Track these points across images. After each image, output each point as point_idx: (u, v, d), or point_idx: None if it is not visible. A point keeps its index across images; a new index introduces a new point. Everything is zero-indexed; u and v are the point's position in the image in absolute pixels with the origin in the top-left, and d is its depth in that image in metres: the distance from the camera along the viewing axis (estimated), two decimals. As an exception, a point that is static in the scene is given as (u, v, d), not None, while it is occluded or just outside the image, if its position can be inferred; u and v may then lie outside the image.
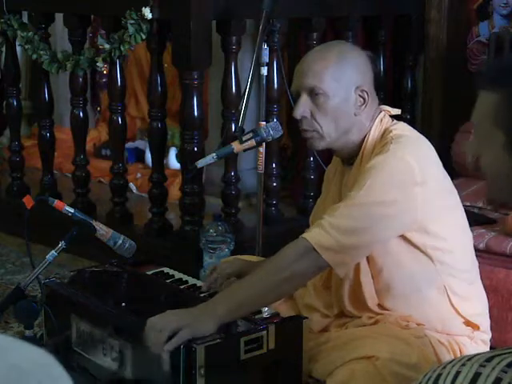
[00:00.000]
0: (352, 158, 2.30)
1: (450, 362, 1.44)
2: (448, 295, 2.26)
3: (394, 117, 2.35)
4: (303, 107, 2.24)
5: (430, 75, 4.85)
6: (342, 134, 2.26)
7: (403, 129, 2.27)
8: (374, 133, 2.27)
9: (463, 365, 1.40)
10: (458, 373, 1.38)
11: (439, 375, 1.40)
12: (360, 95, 2.25)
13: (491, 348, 2.35)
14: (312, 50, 2.33)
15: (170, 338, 2.00)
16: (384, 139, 2.23)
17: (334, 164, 2.47)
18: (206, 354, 1.99)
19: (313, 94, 2.23)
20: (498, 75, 1.61)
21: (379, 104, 2.35)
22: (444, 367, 1.42)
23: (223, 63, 4.09)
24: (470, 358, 1.43)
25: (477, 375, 1.36)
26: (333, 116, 2.23)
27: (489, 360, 1.39)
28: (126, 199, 4.46)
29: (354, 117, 2.25)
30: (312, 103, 2.24)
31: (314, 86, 2.22)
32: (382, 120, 2.29)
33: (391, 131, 2.24)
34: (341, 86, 2.23)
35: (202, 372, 1.99)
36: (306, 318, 2.22)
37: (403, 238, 2.18)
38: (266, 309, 2.23)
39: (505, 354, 1.41)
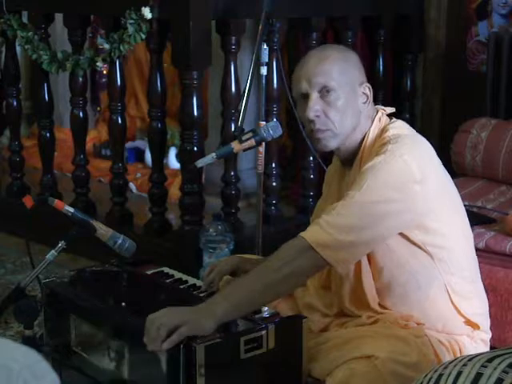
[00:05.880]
0: (351, 158, 2.30)
1: (452, 361, 1.44)
2: (448, 294, 2.26)
3: (392, 114, 2.36)
4: (316, 106, 2.24)
5: (429, 75, 4.86)
6: (351, 131, 2.27)
7: (401, 127, 2.28)
8: (373, 132, 2.28)
9: (464, 365, 1.40)
10: (459, 373, 1.38)
11: (441, 375, 1.41)
12: (363, 92, 2.27)
13: (491, 347, 2.36)
14: (310, 53, 2.33)
15: (168, 335, 2.00)
16: (382, 139, 2.24)
17: (334, 164, 2.47)
18: (206, 354, 1.99)
19: (323, 92, 2.23)
20: None
21: (375, 104, 2.36)
22: (445, 367, 1.43)
23: (223, 63, 4.09)
24: (472, 358, 1.43)
25: (478, 375, 1.36)
26: (344, 112, 2.24)
27: (490, 360, 1.39)
28: (125, 199, 4.46)
29: (359, 114, 2.27)
30: (323, 102, 2.24)
31: (325, 83, 2.22)
32: (380, 119, 2.31)
33: (388, 130, 2.25)
34: (348, 82, 2.25)
35: (202, 371, 1.99)
36: (306, 317, 2.22)
37: (403, 236, 2.19)
38: (266, 308, 2.23)
39: (506, 354, 1.41)
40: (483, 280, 2.40)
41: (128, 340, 2.18)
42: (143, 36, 3.92)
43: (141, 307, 2.34)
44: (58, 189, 4.83)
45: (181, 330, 1.99)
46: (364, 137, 2.29)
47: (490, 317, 2.39)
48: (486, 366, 1.37)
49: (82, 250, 3.77)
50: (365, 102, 2.28)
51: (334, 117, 2.23)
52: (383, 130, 2.27)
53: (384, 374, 2.05)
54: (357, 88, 2.27)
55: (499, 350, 1.43)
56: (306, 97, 2.26)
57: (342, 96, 2.23)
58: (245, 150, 2.69)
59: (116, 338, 2.22)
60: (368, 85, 2.30)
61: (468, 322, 2.30)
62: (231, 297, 2.10)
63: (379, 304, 2.29)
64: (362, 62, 2.34)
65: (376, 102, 2.37)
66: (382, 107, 2.37)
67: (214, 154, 2.59)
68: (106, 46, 4.08)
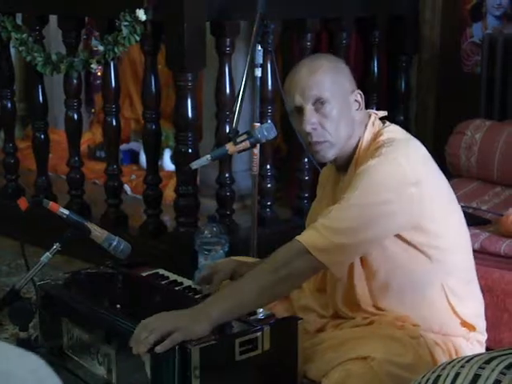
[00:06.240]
0: (346, 164, 2.30)
1: (449, 362, 1.44)
2: (445, 294, 2.26)
3: (386, 118, 2.36)
4: (313, 118, 2.23)
5: (423, 75, 4.86)
6: (347, 140, 2.27)
7: (395, 131, 2.28)
8: (367, 137, 2.28)
9: (462, 366, 1.39)
10: (457, 374, 1.38)
11: (438, 376, 1.40)
12: (355, 99, 2.28)
13: (487, 349, 2.35)
14: (300, 64, 2.32)
15: (161, 340, 1.98)
16: (376, 143, 2.24)
17: (328, 167, 2.47)
18: (201, 356, 1.98)
19: (317, 104, 2.23)
20: None
21: (369, 106, 2.36)
22: (443, 368, 1.42)
23: (217, 65, 4.09)
24: (469, 359, 1.42)
25: (476, 377, 1.36)
26: (339, 122, 2.24)
27: (488, 362, 1.39)
28: (120, 201, 4.46)
29: (353, 121, 2.27)
30: (318, 113, 2.24)
31: (319, 95, 2.23)
32: (373, 124, 2.31)
33: (382, 134, 2.26)
34: (341, 92, 2.25)
35: (197, 373, 1.98)
36: (301, 318, 2.22)
37: (399, 237, 2.19)
38: (261, 310, 2.23)
39: (503, 355, 1.41)
40: (479, 281, 2.40)
41: (119, 344, 2.16)
42: (137, 38, 3.92)
43: (136, 309, 2.34)
44: (53, 191, 4.82)
45: (175, 335, 1.98)
46: (358, 142, 2.29)
47: (486, 318, 2.39)
48: (483, 368, 1.36)
49: (76, 252, 3.77)
50: (357, 109, 2.29)
51: (330, 128, 2.23)
52: (377, 134, 2.28)
53: (380, 375, 2.05)
54: (349, 96, 2.27)
55: (497, 352, 1.43)
56: (300, 110, 2.26)
57: (336, 106, 2.23)
58: (239, 152, 2.69)
59: (107, 342, 2.20)
60: (359, 91, 2.30)
61: (464, 324, 2.30)
62: (227, 299, 2.09)
63: (375, 305, 2.28)
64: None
65: (370, 104, 2.37)
66: (375, 111, 2.37)
67: (208, 156, 2.59)
68: (101, 48, 4.08)
